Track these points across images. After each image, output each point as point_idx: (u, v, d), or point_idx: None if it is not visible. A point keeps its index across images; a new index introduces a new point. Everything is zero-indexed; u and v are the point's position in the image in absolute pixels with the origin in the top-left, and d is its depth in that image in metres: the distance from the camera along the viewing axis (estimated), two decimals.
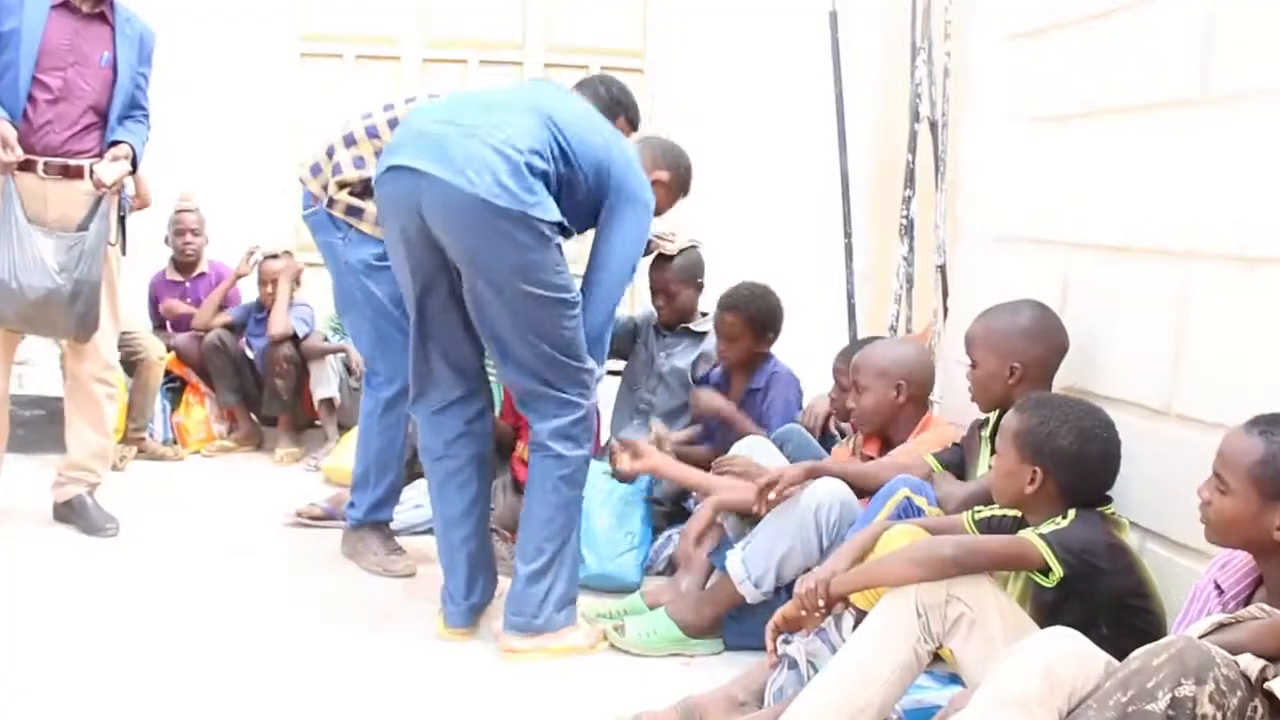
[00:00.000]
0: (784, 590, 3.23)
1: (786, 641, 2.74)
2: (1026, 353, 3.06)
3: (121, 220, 4.49)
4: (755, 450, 3.69)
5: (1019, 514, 2.67)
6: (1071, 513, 2.51)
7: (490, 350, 3.36)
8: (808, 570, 3.00)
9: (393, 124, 3.84)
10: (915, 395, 3.37)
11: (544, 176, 3.15)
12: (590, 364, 3.37)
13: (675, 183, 4.06)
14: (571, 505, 3.39)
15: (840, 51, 4.50)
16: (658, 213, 3.62)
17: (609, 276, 3.36)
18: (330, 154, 3.97)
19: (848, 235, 4.46)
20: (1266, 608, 1.98)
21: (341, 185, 3.91)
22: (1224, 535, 2.17)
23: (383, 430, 4.11)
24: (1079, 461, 2.57)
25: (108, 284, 4.37)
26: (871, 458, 3.44)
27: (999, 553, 2.47)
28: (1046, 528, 2.47)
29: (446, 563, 3.49)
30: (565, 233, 3.25)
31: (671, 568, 4.12)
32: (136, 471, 5.44)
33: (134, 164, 4.36)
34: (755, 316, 4.22)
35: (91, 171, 4.24)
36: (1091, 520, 2.51)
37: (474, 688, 3.16)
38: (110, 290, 4.41)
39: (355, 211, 3.92)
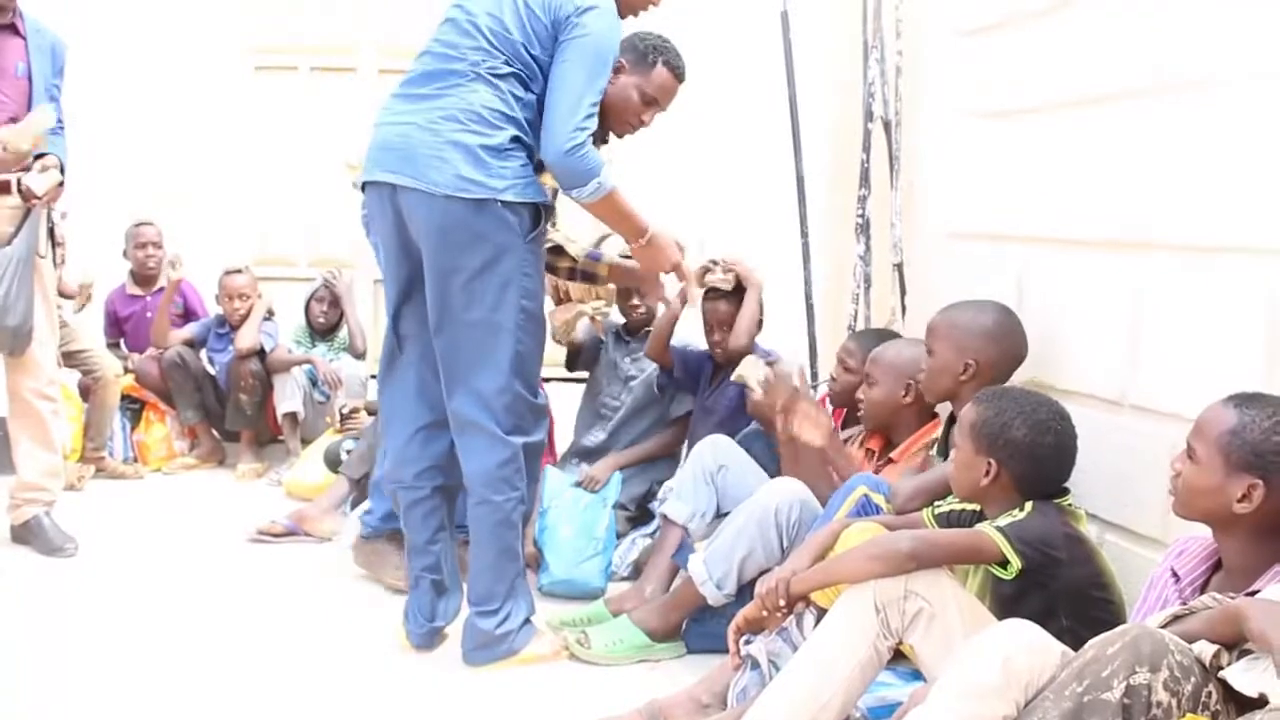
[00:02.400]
0: (746, 591, 3.23)
1: (748, 642, 2.74)
2: (983, 352, 3.06)
3: (50, 232, 4.44)
4: (719, 447, 3.71)
5: (978, 508, 2.68)
6: (1028, 505, 2.51)
7: (441, 371, 3.28)
8: (769, 570, 3.00)
9: None
10: (921, 397, 3.35)
11: (516, 141, 3.14)
12: (542, 401, 3.36)
13: (634, 61, 3.63)
14: (513, 546, 3.34)
15: (792, 51, 4.50)
16: (625, 110, 3.56)
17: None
18: None
19: (804, 235, 4.46)
20: (1218, 596, 2.00)
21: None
22: (1188, 506, 2.18)
23: None
24: (1033, 453, 2.58)
25: (41, 297, 4.32)
26: (873, 452, 3.44)
27: (956, 546, 2.48)
28: (1003, 520, 2.48)
29: (411, 582, 3.46)
30: (537, 218, 3.21)
31: (636, 572, 4.11)
32: (96, 491, 5.39)
33: (61, 172, 4.31)
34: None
35: (19, 184, 4.19)
36: (1048, 512, 2.52)
37: (439, 699, 3.14)
38: (45, 303, 4.36)
39: None
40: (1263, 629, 1.75)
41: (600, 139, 3.52)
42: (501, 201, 3.11)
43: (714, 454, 3.70)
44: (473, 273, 3.15)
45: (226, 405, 5.98)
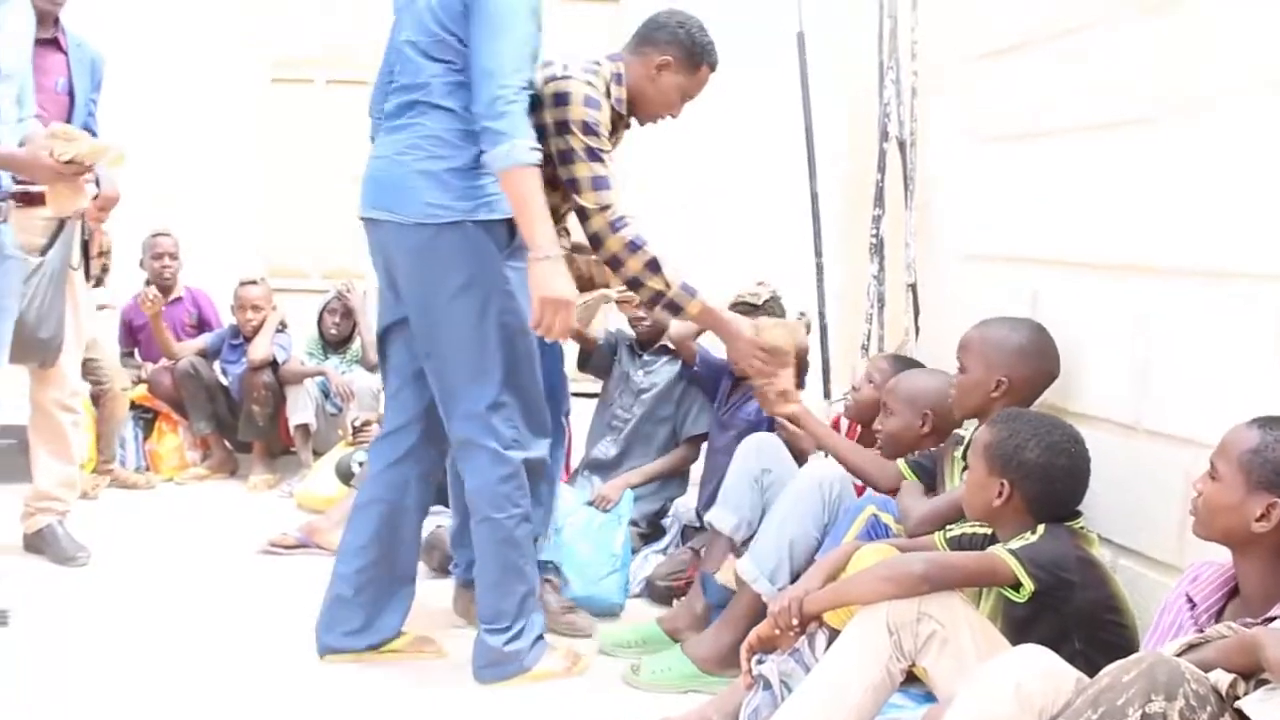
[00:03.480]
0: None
1: (760, 662, 2.74)
2: (1015, 369, 3.05)
3: (84, 245, 4.47)
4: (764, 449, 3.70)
5: (990, 531, 2.68)
6: (1040, 528, 2.52)
7: (436, 396, 3.32)
8: (819, 550, 3.08)
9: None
10: (939, 428, 3.35)
11: (477, 160, 3.12)
12: (547, 415, 3.37)
13: (683, 61, 3.56)
14: (518, 564, 3.34)
15: (808, 72, 4.52)
16: (664, 108, 3.58)
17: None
18: None
19: (818, 255, 4.47)
20: (1234, 625, 1.99)
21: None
22: (1208, 525, 2.19)
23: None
24: (1047, 474, 2.58)
25: (72, 309, 4.34)
26: None
27: (970, 569, 2.48)
28: (1016, 543, 2.48)
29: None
30: (515, 232, 3.19)
31: (648, 589, 4.12)
32: (109, 500, 5.40)
33: (97, 184, 4.33)
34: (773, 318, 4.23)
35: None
36: (1060, 535, 2.52)
37: (456, 715, 3.14)
38: (74, 315, 4.38)
39: None
40: (1279, 659, 1.75)
41: (624, 125, 3.58)
42: (474, 221, 3.13)
43: (759, 456, 3.65)
44: (451, 294, 3.17)
45: (239, 416, 6.00)
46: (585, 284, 4.59)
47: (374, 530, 3.43)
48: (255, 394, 5.88)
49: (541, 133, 3.24)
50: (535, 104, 3.25)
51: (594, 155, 3.34)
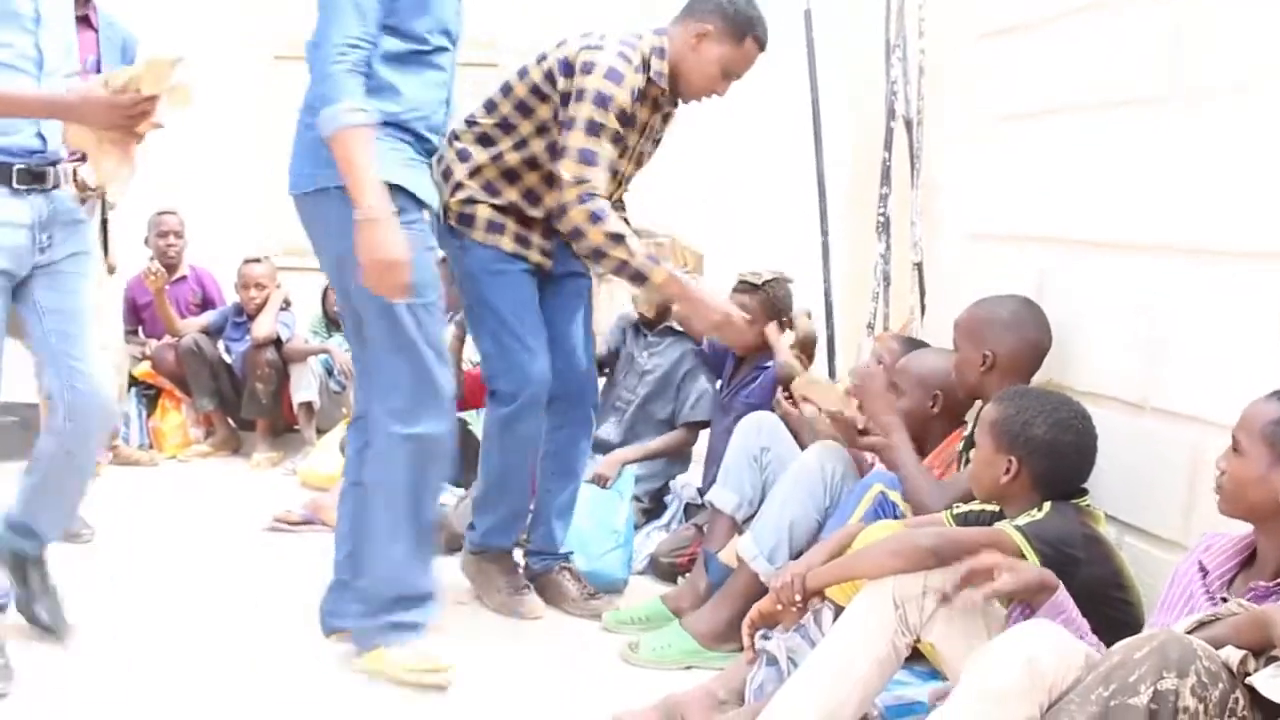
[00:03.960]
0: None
1: (765, 638, 2.74)
2: (999, 342, 3.06)
3: (104, 224, 4.45)
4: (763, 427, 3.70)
5: (996, 509, 2.68)
6: (1046, 505, 2.52)
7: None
8: (820, 531, 3.10)
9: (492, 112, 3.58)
10: (950, 408, 3.34)
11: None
12: (438, 390, 3.13)
13: (725, 31, 3.47)
14: (385, 541, 3.18)
15: (815, 50, 4.50)
16: (705, 82, 3.50)
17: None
18: (440, 159, 3.54)
19: (825, 233, 4.46)
20: (1245, 602, 1.99)
21: (456, 190, 3.57)
22: (1235, 500, 2.19)
23: (503, 451, 3.69)
24: (1054, 450, 2.58)
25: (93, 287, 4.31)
26: None
27: (976, 543, 2.48)
28: (1022, 519, 2.48)
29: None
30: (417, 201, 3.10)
31: (652, 565, 4.12)
32: (112, 477, 5.39)
33: None
34: (771, 301, 4.22)
35: (75, 174, 4.17)
36: (1066, 512, 2.52)
37: (460, 689, 3.14)
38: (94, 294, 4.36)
39: (466, 219, 3.57)
40: None
41: (668, 102, 3.54)
42: (337, 186, 2.98)
43: (758, 434, 3.66)
44: (332, 262, 3.14)
45: (242, 394, 6.00)
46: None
47: (355, 512, 3.39)
48: (259, 371, 5.88)
49: (566, 99, 3.35)
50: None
51: (593, 128, 3.34)
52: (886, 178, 4.19)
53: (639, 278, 3.44)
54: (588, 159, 3.35)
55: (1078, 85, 3.24)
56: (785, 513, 3.29)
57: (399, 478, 3.13)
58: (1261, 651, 1.85)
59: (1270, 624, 1.81)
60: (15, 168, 2.93)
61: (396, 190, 3.02)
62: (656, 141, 3.74)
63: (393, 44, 3.06)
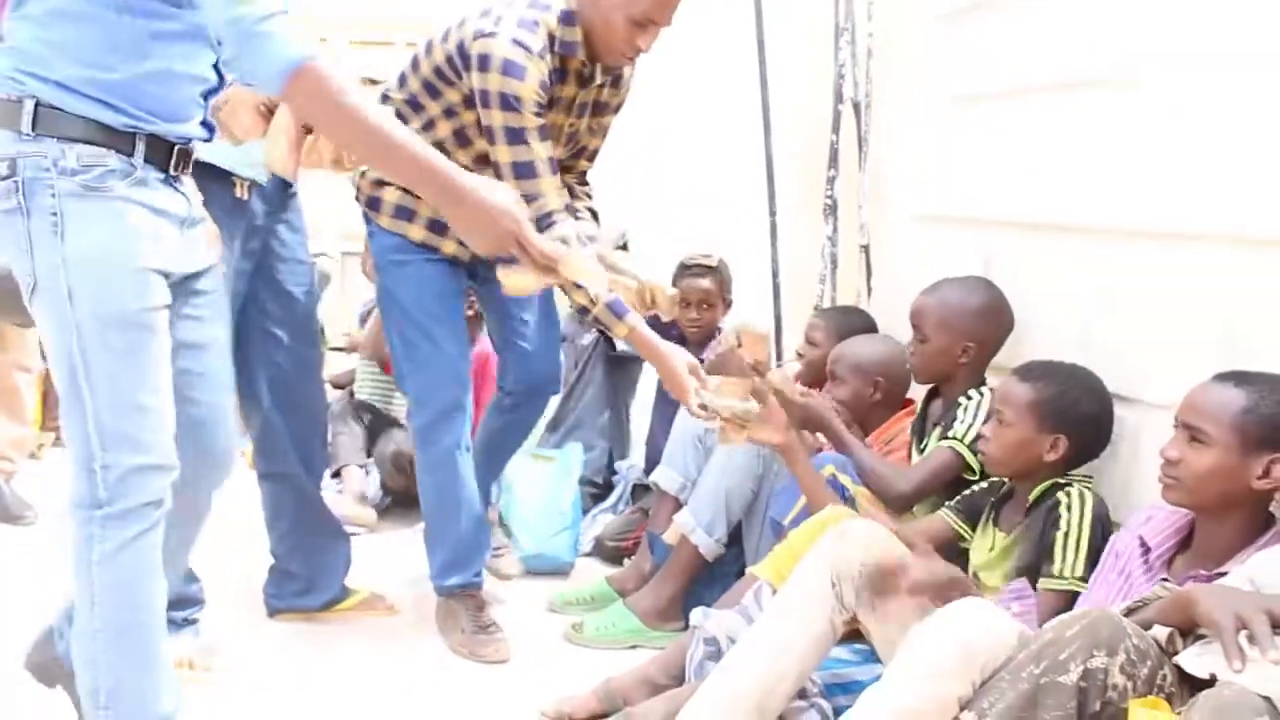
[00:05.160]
0: (738, 541, 3.34)
1: (707, 617, 2.74)
2: (980, 332, 3.09)
3: None
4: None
5: (1001, 487, 2.75)
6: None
7: None
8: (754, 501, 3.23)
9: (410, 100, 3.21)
10: (890, 393, 3.36)
11: None
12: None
13: None
14: None
15: (764, 31, 4.49)
16: (615, 40, 3.03)
17: None
18: None
19: (772, 215, 4.45)
20: (1171, 585, 2.02)
21: (365, 172, 3.30)
22: (1197, 491, 2.16)
23: (429, 469, 3.35)
24: (1099, 423, 2.67)
25: None
26: None
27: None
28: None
29: None
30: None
31: (598, 548, 4.12)
32: (55, 459, 5.33)
33: None
34: (725, 283, 4.25)
35: None
36: None
37: (401, 672, 3.14)
38: None
39: (374, 203, 3.32)
40: (1210, 612, 1.77)
41: (590, 77, 3.16)
42: None
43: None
44: None
45: None
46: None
47: (273, 500, 3.39)
48: None
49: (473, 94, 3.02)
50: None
51: (515, 136, 2.97)
52: (834, 160, 4.19)
53: (602, 326, 3.10)
54: (524, 171, 3.00)
55: (1024, 68, 3.25)
56: (720, 484, 3.31)
57: None
58: (1189, 631, 1.87)
59: (1192, 603, 1.83)
60: (176, 148, 2.29)
61: None
62: (611, 110, 3.39)
63: None
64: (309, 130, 2.86)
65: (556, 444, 4.57)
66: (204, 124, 2.33)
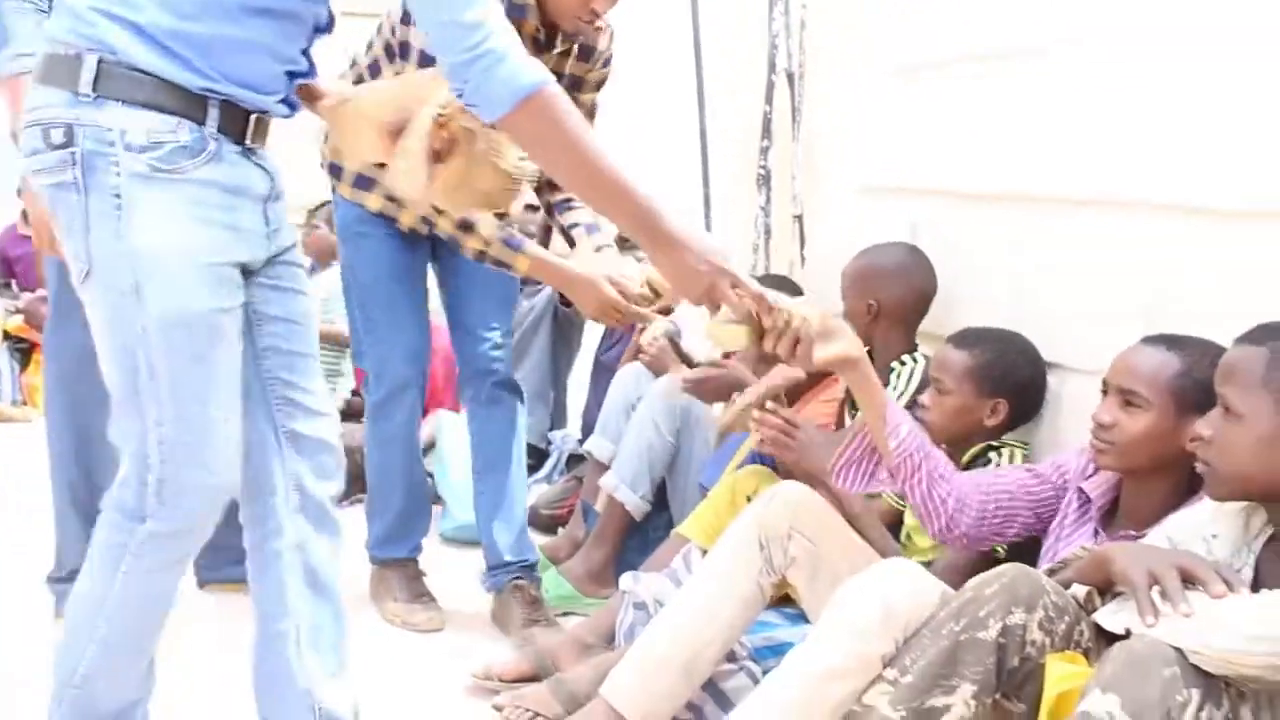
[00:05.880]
0: (663, 502, 3.42)
1: (636, 580, 2.75)
2: (884, 291, 3.09)
3: None
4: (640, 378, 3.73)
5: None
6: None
7: None
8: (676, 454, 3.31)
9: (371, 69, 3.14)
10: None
11: None
12: None
13: None
14: None
15: (698, 2, 4.50)
16: (568, 17, 2.98)
17: None
18: None
19: (706, 185, 4.47)
20: (1089, 546, 2.05)
21: (328, 136, 3.18)
22: (1130, 454, 2.16)
23: (377, 444, 3.37)
24: (1035, 386, 2.72)
25: None
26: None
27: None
28: None
29: None
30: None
31: (533, 517, 4.10)
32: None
33: None
34: None
35: None
36: None
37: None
38: None
39: (335, 170, 3.26)
40: (1125, 569, 1.80)
41: (547, 44, 3.06)
42: None
43: (635, 385, 3.70)
44: None
45: None
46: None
47: None
48: None
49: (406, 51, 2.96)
50: None
51: None
52: (767, 131, 4.20)
53: (503, 265, 3.06)
54: None
55: (957, 39, 3.27)
56: (641, 441, 3.36)
57: None
58: (1107, 589, 1.90)
59: (1108, 561, 1.86)
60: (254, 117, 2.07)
61: None
62: (591, 87, 3.36)
63: None
64: (439, 158, 2.59)
65: None
66: (285, 101, 2.13)
